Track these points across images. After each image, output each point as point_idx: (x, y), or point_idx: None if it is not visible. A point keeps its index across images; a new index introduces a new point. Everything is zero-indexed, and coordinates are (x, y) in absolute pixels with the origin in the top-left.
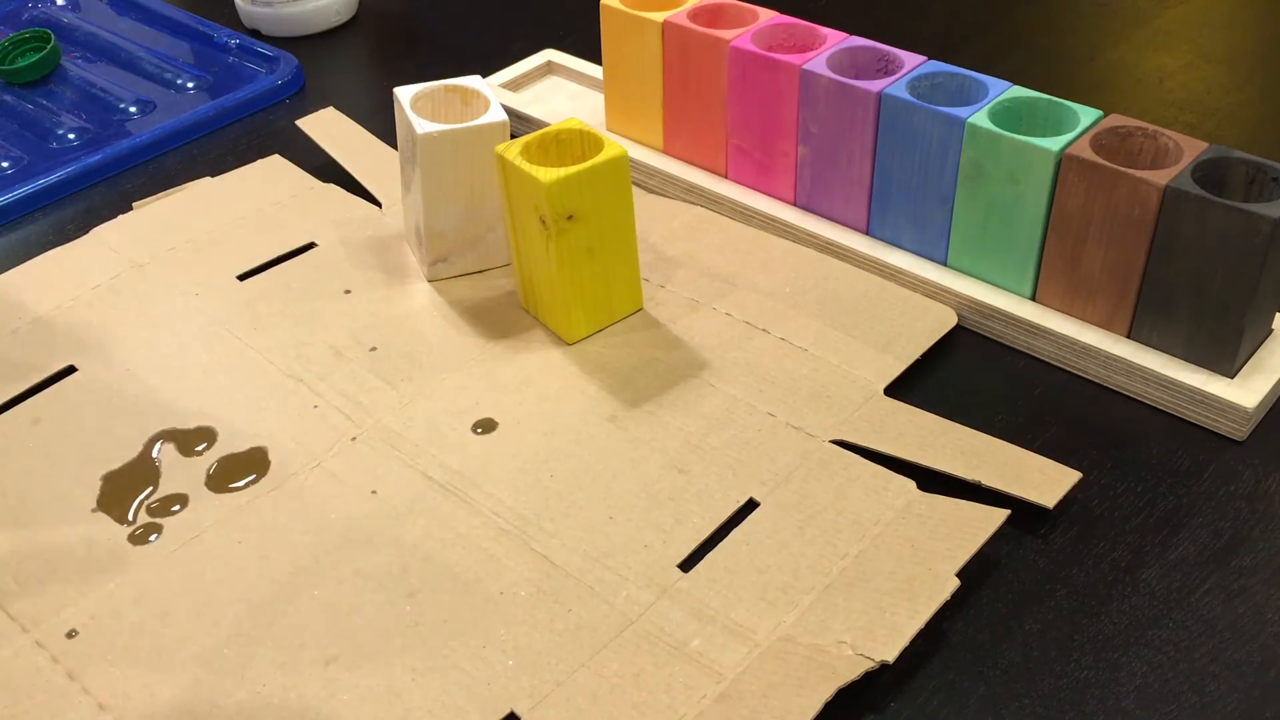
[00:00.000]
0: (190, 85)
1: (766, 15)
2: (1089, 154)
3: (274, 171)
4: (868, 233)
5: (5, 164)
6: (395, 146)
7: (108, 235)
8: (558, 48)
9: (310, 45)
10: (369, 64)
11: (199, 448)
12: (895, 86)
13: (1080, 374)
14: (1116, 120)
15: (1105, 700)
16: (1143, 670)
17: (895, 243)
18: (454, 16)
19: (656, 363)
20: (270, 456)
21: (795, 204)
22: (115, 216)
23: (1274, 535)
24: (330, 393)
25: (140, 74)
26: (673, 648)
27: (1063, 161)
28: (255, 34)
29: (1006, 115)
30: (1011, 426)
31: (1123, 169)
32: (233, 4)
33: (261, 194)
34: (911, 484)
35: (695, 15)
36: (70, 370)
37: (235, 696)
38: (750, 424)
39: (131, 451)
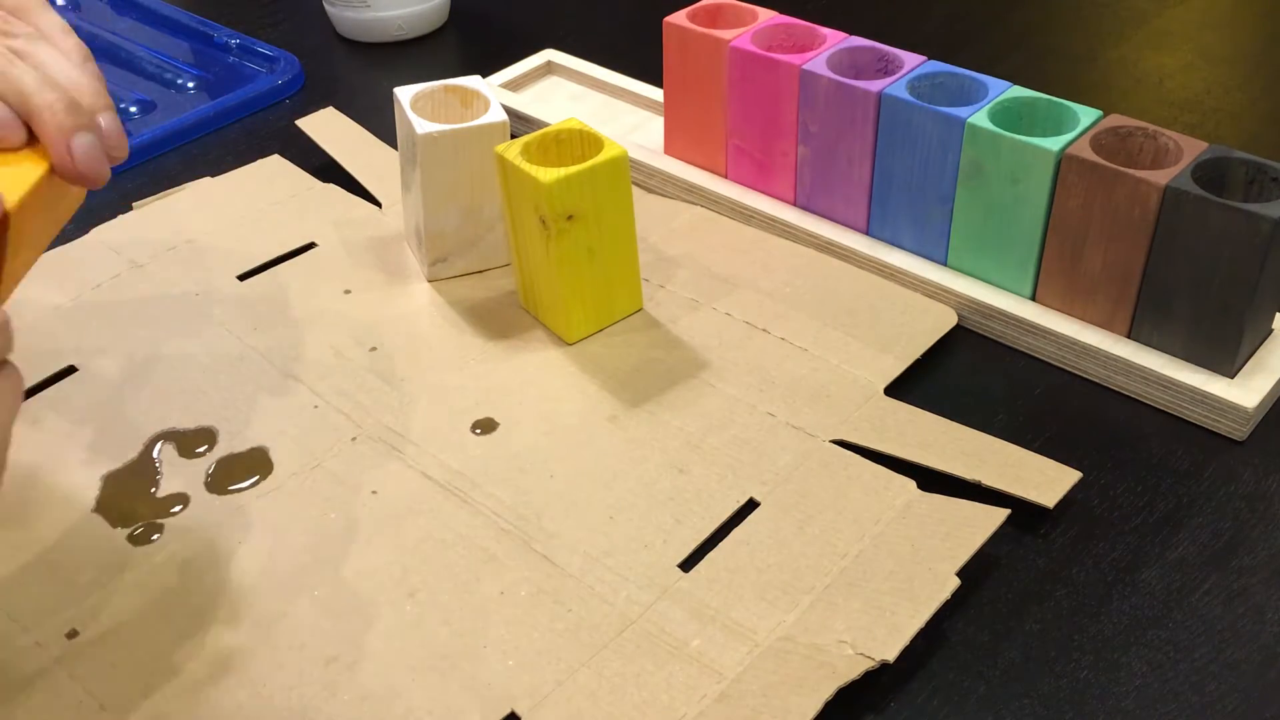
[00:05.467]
0: (190, 85)
1: (766, 15)
2: (1089, 154)
3: (274, 171)
4: (868, 233)
5: None
6: (395, 146)
7: (108, 235)
8: (558, 48)
9: (312, 45)
10: (369, 64)
11: (199, 448)
12: (895, 86)
13: (1080, 374)
14: (1116, 120)
15: (1105, 700)
16: (1143, 670)
17: (895, 243)
18: (454, 16)
19: (656, 363)
20: (270, 457)
21: (795, 204)
22: (115, 216)
23: (1274, 535)
24: (330, 393)
25: (140, 74)
26: (673, 647)
27: (1063, 161)
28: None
29: (1006, 115)
30: (1011, 426)
31: (1123, 169)
32: (232, 4)
33: (261, 194)
34: (911, 484)
35: (695, 15)
36: (70, 370)
37: (236, 696)
38: (750, 424)
39: (131, 452)
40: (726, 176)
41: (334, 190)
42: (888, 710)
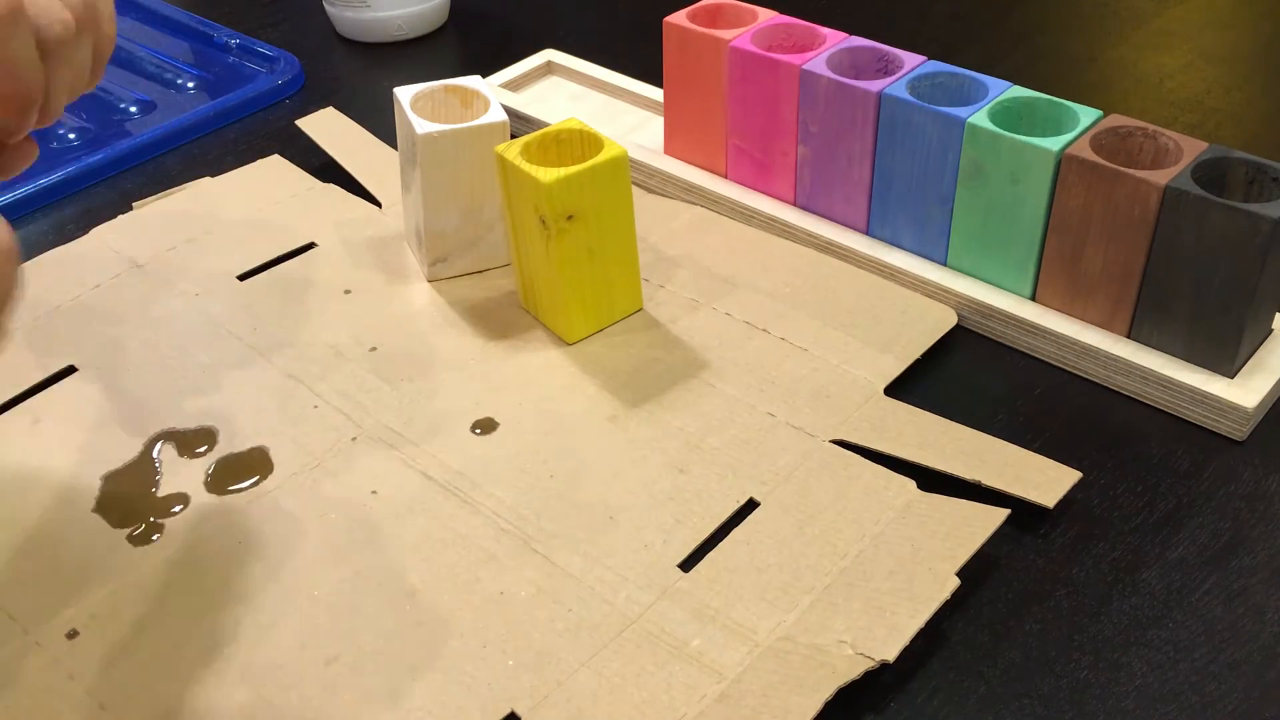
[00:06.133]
0: (190, 85)
1: (766, 15)
2: (1089, 154)
3: (274, 171)
4: (868, 233)
5: None
6: (395, 146)
7: (108, 235)
8: (558, 48)
9: (312, 45)
10: (369, 64)
11: (199, 448)
12: (895, 86)
13: (1080, 374)
14: (1116, 120)
15: (1105, 700)
16: (1143, 670)
17: (895, 243)
18: (454, 16)
19: (656, 363)
20: (270, 456)
21: (795, 204)
22: (115, 216)
23: (1274, 535)
24: (330, 393)
25: (140, 74)
26: (673, 647)
27: (1063, 161)
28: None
29: (1006, 115)
30: (1011, 426)
31: (1123, 169)
32: (232, 4)
33: (261, 194)
34: (911, 483)
35: (695, 15)
36: (70, 370)
37: (235, 697)
38: (750, 424)
39: (131, 452)
40: (726, 176)
41: (334, 190)
42: (888, 710)
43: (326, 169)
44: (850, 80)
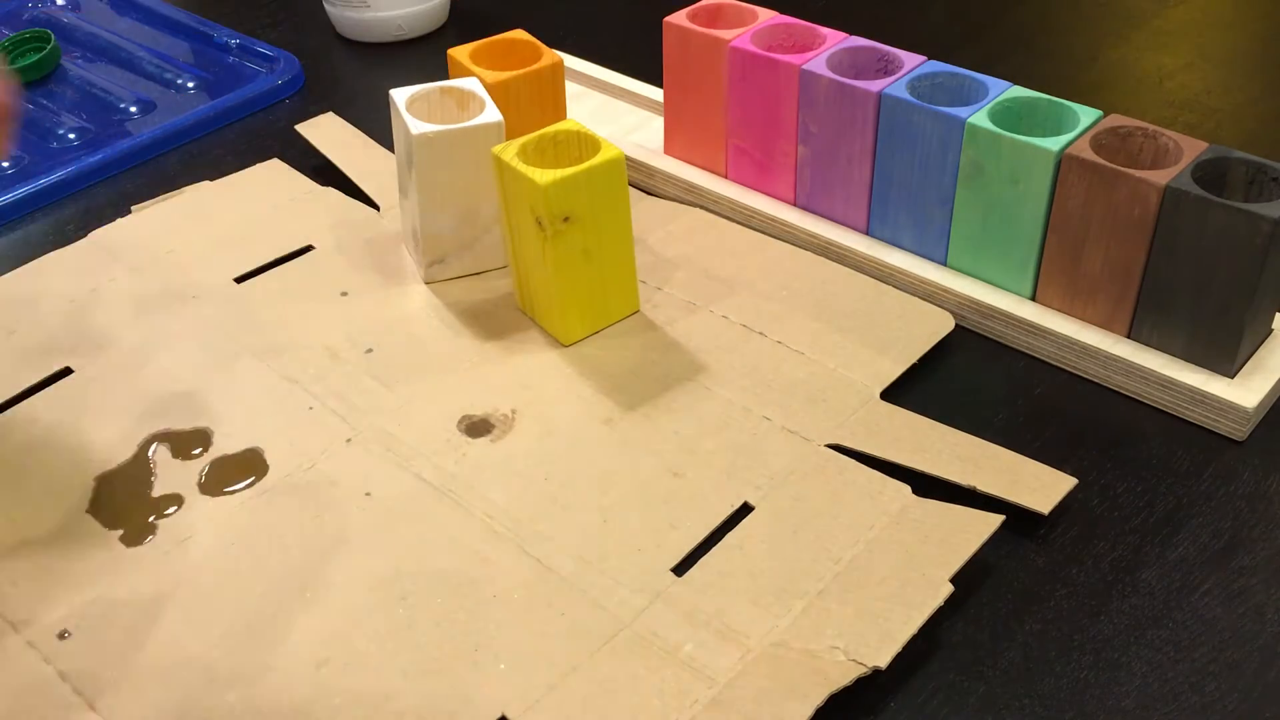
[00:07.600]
0: (190, 85)
1: (766, 15)
2: (1089, 154)
3: (272, 175)
4: (868, 233)
5: (5, 164)
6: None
7: (106, 238)
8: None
9: (312, 45)
10: (369, 64)
11: (194, 450)
12: (895, 86)
13: (1080, 374)
14: (1116, 120)
15: (1105, 700)
16: (1143, 670)
17: (895, 243)
18: (454, 16)
19: (653, 365)
20: (265, 458)
21: (795, 204)
22: (115, 216)
23: (1274, 535)
24: (326, 394)
25: (140, 74)
26: (665, 652)
27: (1063, 161)
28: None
29: (1006, 115)
30: (1011, 427)
31: (1123, 169)
32: (232, 4)
33: (260, 197)
34: (906, 489)
35: (695, 15)
36: (66, 372)
37: (227, 699)
38: (746, 427)
39: (126, 453)
40: (726, 177)
41: (332, 193)
42: (887, 710)
43: (325, 171)
44: (850, 80)
